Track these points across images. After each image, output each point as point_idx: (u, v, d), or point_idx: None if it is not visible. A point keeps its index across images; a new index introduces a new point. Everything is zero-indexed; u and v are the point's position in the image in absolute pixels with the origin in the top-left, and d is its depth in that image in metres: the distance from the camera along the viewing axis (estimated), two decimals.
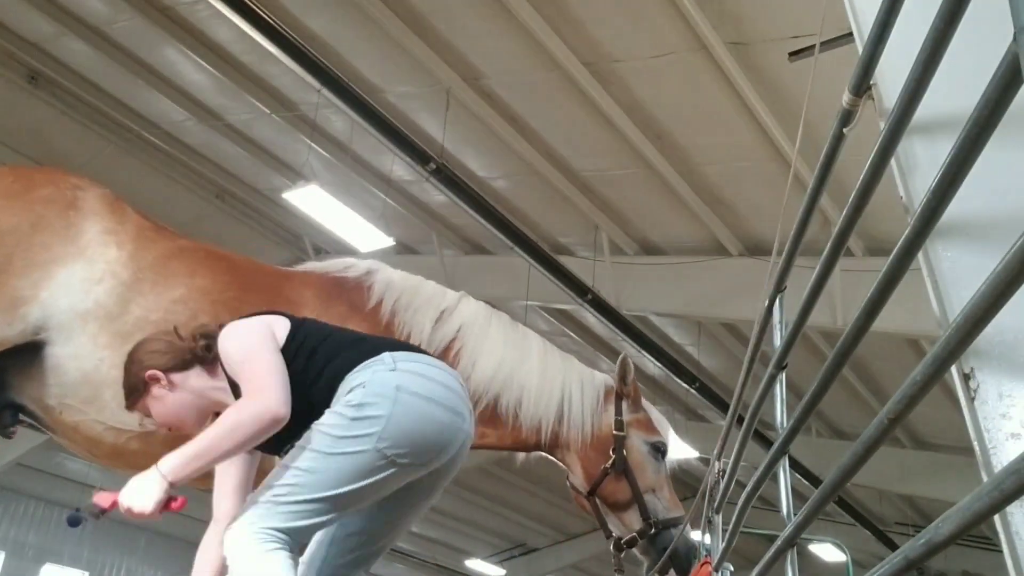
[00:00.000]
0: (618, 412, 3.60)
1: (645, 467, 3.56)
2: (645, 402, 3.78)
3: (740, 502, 3.91)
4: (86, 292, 2.97)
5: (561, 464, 3.66)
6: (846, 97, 2.46)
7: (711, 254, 11.87)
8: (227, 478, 2.62)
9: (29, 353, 2.94)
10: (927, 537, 1.45)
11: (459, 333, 3.48)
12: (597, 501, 3.59)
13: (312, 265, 3.71)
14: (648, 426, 3.65)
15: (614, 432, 3.54)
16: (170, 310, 3.05)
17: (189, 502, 2.43)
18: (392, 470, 2.35)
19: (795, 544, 3.03)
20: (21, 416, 3.08)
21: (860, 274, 9.53)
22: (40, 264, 2.94)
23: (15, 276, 2.88)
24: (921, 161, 2.23)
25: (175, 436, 2.95)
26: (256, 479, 2.61)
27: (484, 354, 3.46)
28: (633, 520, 3.52)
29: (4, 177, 3.16)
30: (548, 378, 3.53)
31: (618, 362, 3.71)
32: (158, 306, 3.05)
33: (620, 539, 3.55)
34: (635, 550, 3.56)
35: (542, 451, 3.59)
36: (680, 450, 3.61)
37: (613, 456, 3.51)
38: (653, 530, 3.48)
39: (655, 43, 8.71)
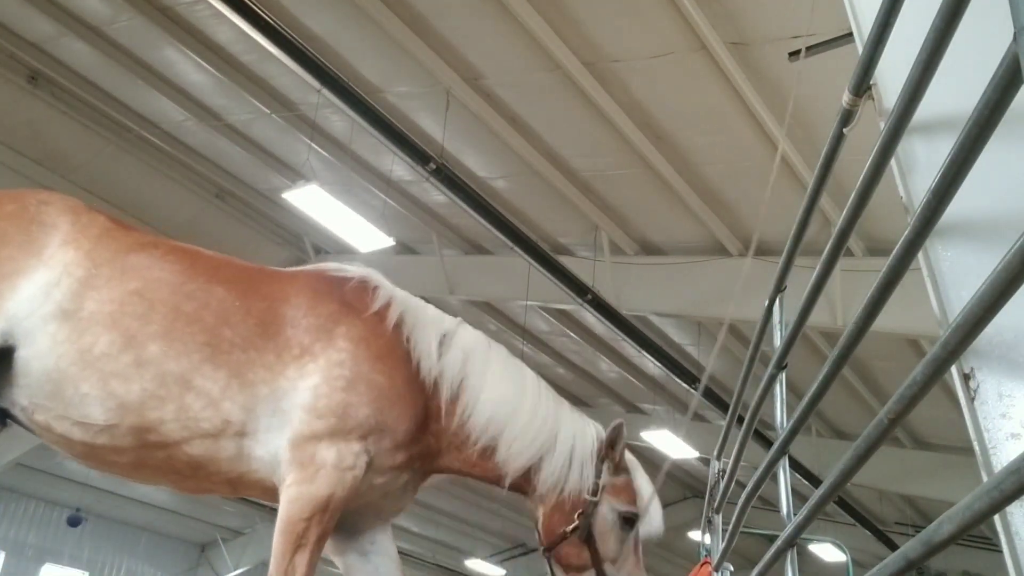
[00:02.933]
0: (597, 474, 3.43)
1: (608, 537, 3.39)
2: (630, 461, 3.59)
3: (740, 502, 3.92)
4: (46, 296, 3.03)
5: (527, 504, 3.57)
6: (846, 97, 2.46)
7: (711, 254, 11.87)
8: None
9: (4, 359, 3.01)
10: (927, 537, 1.45)
11: (464, 365, 3.38)
12: (550, 559, 3.50)
13: (304, 267, 3.63)
14: (625, 492, 3.47)
15: (585, 496, 3.39)
16: (126, 301, 3.05)
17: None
18: None
19: (795, 544, 3.03)
20: (8, 420, 3.14)
21: (860, 274, 9.54)
22: (5, 276, 3.02)
23: None
24: (921, 161, 2.23)
25: (141, 426, 2.96)
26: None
27: (486, 390, 3.36)
28: None
29: None
30: (541, 426, 3.41)
31: (610, 427, 3.52)
32: (112, 298, 3.05)
33: None
34: None
35: (512, 489, 3.49)
36: (659, 528, 3.46)
37: (577, 521, 3.37)
38: None
39: (655, 43, 8.71)
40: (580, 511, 3.37)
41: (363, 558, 3.40)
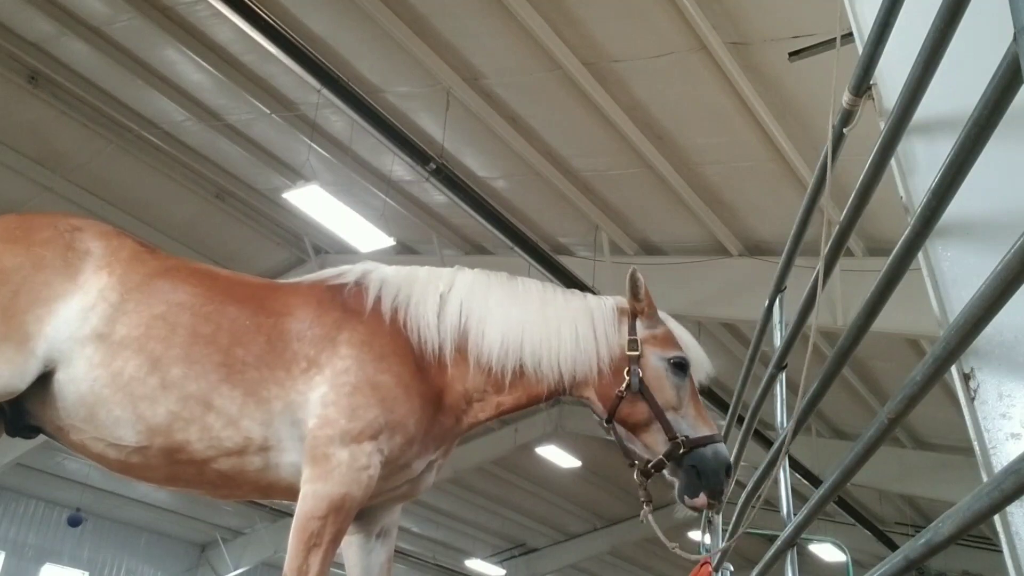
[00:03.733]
0: (631, 332, 3.41)
1: (664, 385, 3.33)
2: (663, 315, 3.57)
3: (740, 502, 3.92)
4: (83, 320, 3.13)
5: (583, 401, 3.53)
6: (846, 97, 2.46)
7: (711, 254, 11.87)
8: None
9: (41, 381, 3.11)
10: (927, 537, 1.45)
11: (462, 314, 3.43)
12: (617, 427, 3.39)
13: (307, 277, 3.66)
14: (666, 341, 3.43)
15: (627, 352, 3.36)
16: (151, 325, 3.16)
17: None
18: None
19: (795, 544, 3.03)
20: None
21: (860, 274, 9.53)
22: (43, 301, 3.12)
23: (21, 312, 3.09)
24: (921, 161, 2.23)
25: (170, 447, 3.07)
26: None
27: (489, 325, 3.39)
28: (657, 442, 3.29)
29: (8, 223, 3.35)
30: (555, 325, 3.41)
31: (628, 277, 3.50)
32: (140, 322, 3.16)
33: (647, 463, 3.30)
34: (664, 473, 3.28)
35: (561, 395, 3.50)
36: (710, 366, 3.42)
37: (627, 378, 3.32)
38: (681, 450, 3.21)
39: (655, 43, 8.71)
40: (627, 368, 3.36)
41: (367, 540, 3.45)
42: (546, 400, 3.52)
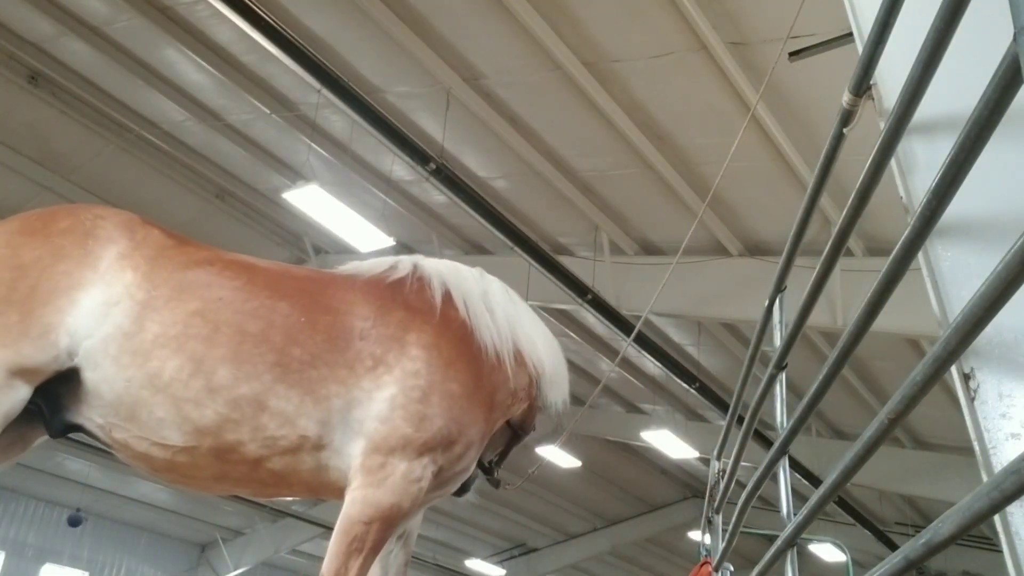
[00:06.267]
0: None
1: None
2: None
3: (740, 502, 3.92)
4: (105, 315, 3.02)
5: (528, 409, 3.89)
6: (846, 97, 2.46)
7: (711, 254, 11.87)
8: None
9: (76, 379, 3.03)
10: (927, 537, 1.45)
11: (507, 319, 3.61)
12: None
13: (354, 266, 3.58)
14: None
15: None
16: (189, 323, 3.04)
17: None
18: None
19: (795, 544, 3.03)
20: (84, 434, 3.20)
21: (860, 274, 9.53)
22: (63, 291, 3.01)
23: (41, 304, 2.97)
24: (921, 161, 2.23)
25: (220, 448, 2.98)
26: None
27: (535, 334, 3.69)
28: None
29: (28, 216, 3.25)
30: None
31: None
32: (175, 320, 3.04)
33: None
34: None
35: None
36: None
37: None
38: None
39: (655, 43, 8.71)
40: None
41: (389, 543, 3.46)
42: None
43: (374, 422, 3.06)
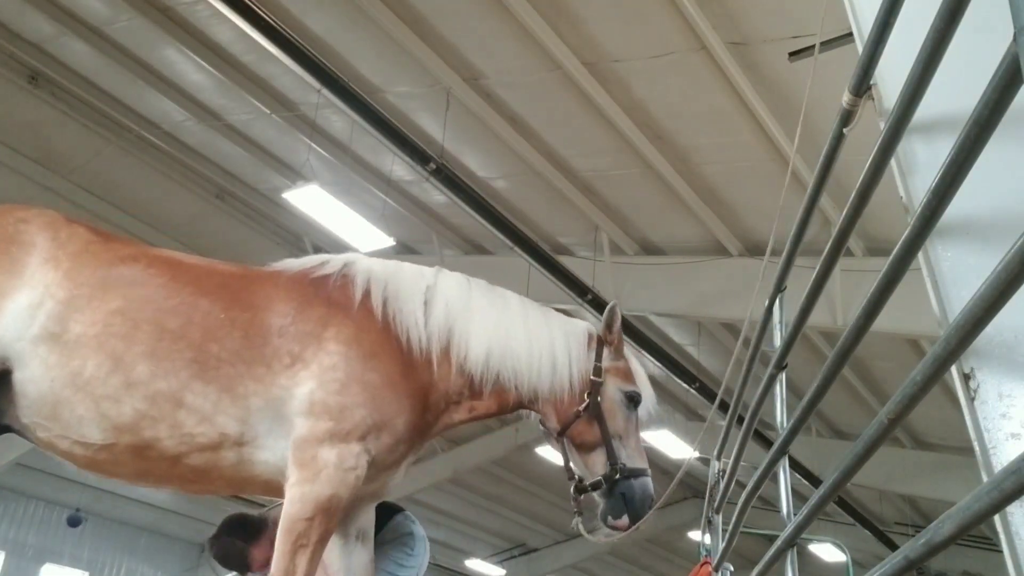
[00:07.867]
0: (598, 358, 3.66)
1: (616, 413, 3.60)
2: (628, 351, 3.82)
3: (740, 502, 3.92)
4: (31, 318, 3.03)
5: (534, 412, 3.71)
6: (846, 97, 2.47)
7: (711, 254, 11.87)
8: None
9: (7, 379, 3.05)
10: (927, 537, 1.45)
11: (448, 316, 3.47)
12: (565, 442, 3.64)
13: (285, 263, 3.56)
14: (626, 375, 3.70)
15: (592, 377, 3.60)
16: (109, 322, 3.05)
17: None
18: None
19: (795, 544, 3.03)
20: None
21: (860, 274, 9.53)
22: None
23: None
24: (921, 161, 2.24)
25: (138, 445, 3.00)
26: None
27: (473, 336, 3.48)
28: (598, 463, 3.56)
29: None
30: (535, 342, 3.57)
31: (606, 310, 3.76)
32: (96, 319, 3.05)
33: (582, 481, 3.61)
34: (595, 494, 3.59)
35: (521, 408, 3.64)
36: (656, 407, 3.67)
37: (587, 400, 3.56)
38: (618, 475, 3.50)
39: (655, 43, 8.71)
40: (588, 391, 3.59)
41: (345, 542, 3.46)
42: (510, 411, 3.68)
43: (298, 417, 3.07)
